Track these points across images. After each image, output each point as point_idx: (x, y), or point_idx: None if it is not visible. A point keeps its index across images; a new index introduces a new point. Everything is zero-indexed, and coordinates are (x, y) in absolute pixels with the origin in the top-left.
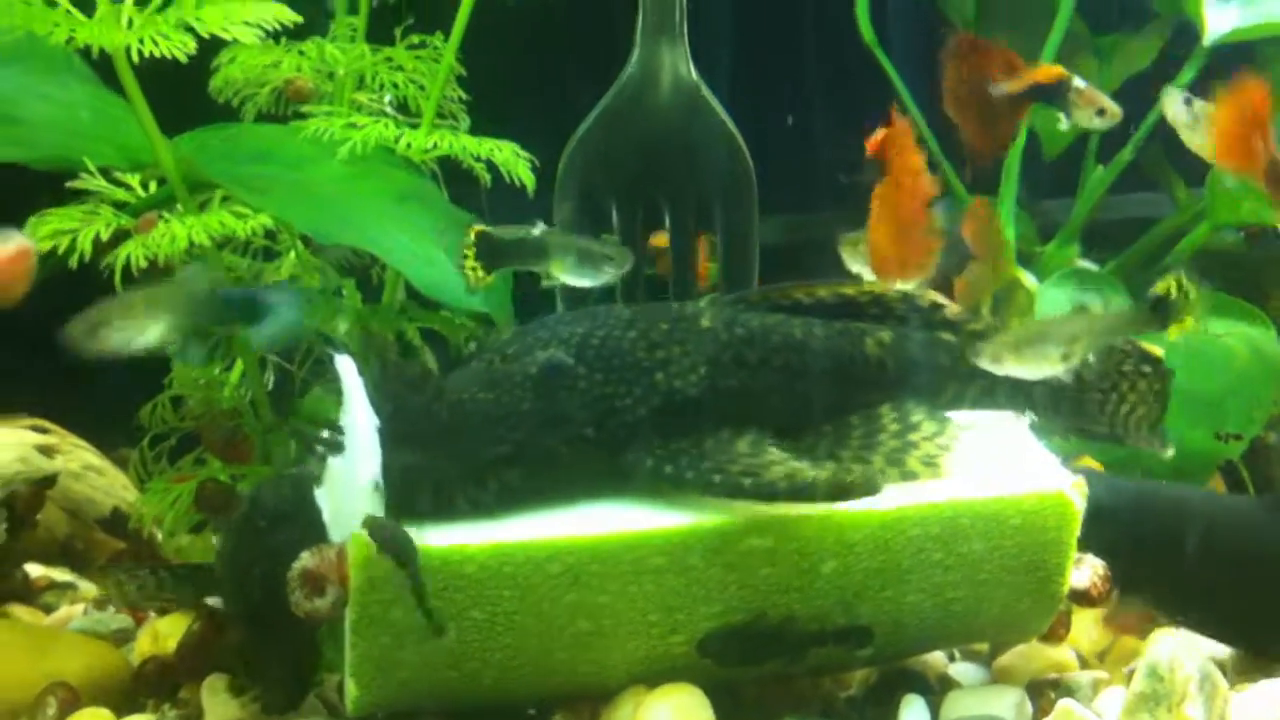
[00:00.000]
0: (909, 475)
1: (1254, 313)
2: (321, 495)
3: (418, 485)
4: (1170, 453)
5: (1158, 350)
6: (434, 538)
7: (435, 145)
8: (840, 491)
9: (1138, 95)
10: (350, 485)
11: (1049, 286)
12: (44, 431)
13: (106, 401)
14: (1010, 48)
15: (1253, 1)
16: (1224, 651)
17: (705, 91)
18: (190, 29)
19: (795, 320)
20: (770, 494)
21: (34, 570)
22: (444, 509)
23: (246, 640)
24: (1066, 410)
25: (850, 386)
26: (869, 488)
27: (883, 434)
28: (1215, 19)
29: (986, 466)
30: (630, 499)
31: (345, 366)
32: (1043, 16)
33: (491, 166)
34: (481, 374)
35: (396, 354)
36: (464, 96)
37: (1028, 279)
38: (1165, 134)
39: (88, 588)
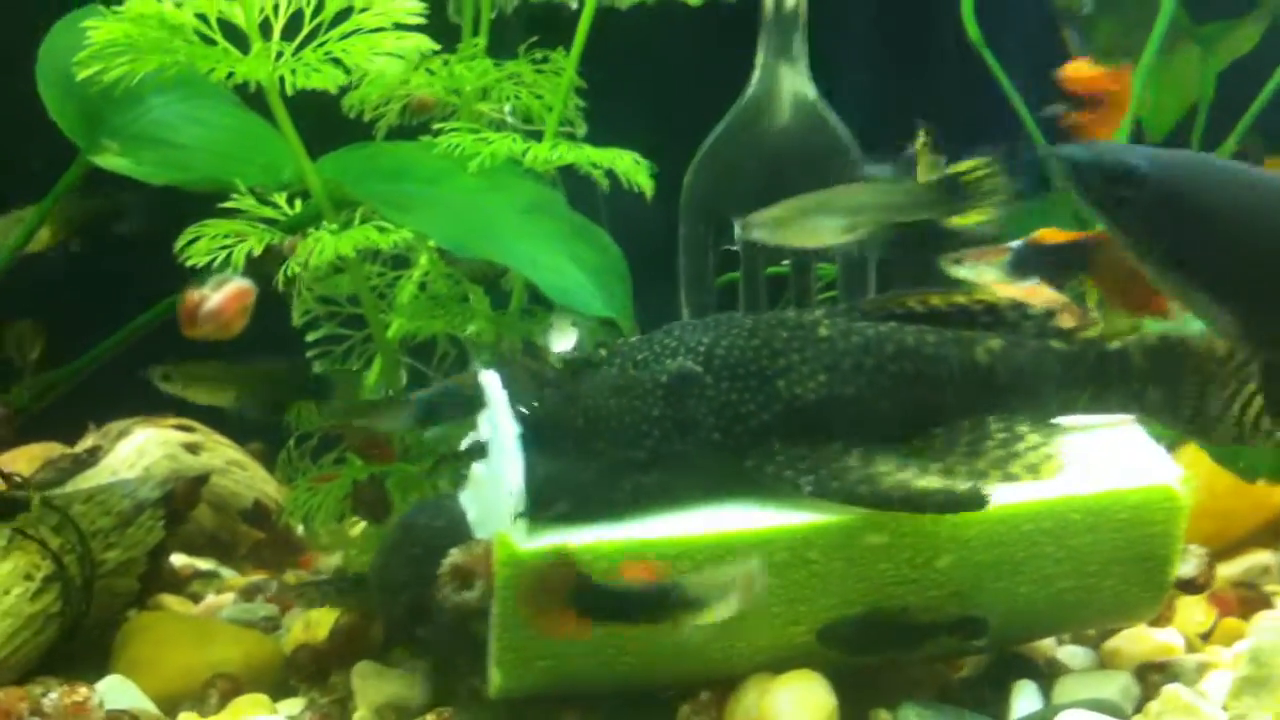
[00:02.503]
0: (1011, 479)
1: None
2: (468, 498)
3: (557, 488)
4: None
5: None
6: (571, 538)
7: (559, 156)
8: (950, 505)
9: (1240, 83)
10: (495, 489)
11: None
12: (189, 430)
13: None
14: (1113, 34)
15: None
16: None
17: (824, 109)
18: (337, 61)
19: (909, 328)
20: (885, 502)
21: (178, 560)
22: (582, 511)
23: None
24: (1185, 415)
25: (961, 393)
26: (976, 502)
27: (989, 440)
28: None
29: (1096, 463)
30: (755, 500)
31: (489, 379)
32: (1144, 3)
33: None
34: (613, 380)
35: (531, 359)
36: (581, 104)
37: None
38: (1266, 121)
39: (230, 575)
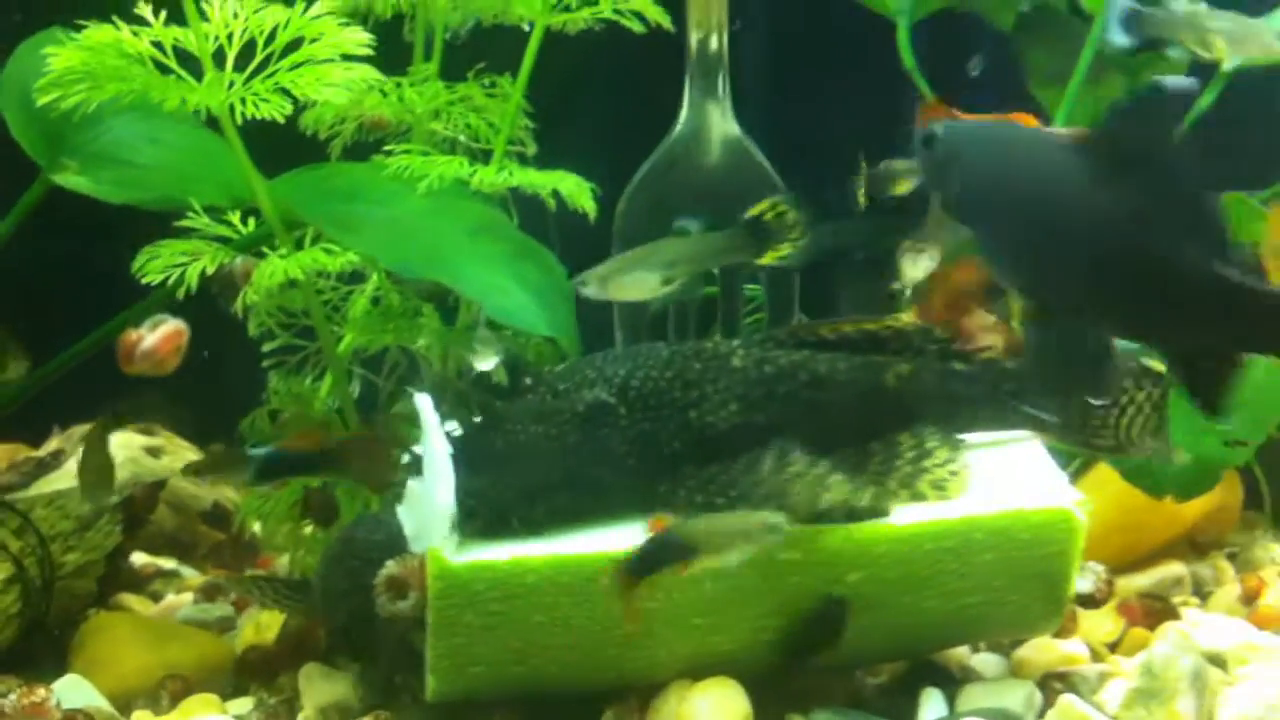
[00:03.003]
0: (919, 497)
1: None
2: (403, 512)
3: (479, 506)
4: (1181, 458)
5: (1159, 365)
6: (498, 552)
7: (505, 179)
8: (852, 515)
9: None
10: (429, 505)
11: None
12: (151, 434)
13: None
14: (1044, 62)
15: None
16: (1226, 644)
17: (749, 145)
18: (285, 91)
19: (822, 356)
20: (790, 516)
21: (140, 559)
22: (501, 527)
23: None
24: (1074, 425)
25: (872, 416)
26: (878, 512)
27: (899, 460)
28: None
29: (999, 484)
30: None
31: (423, 402)
32: (1075, 33)
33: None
34: (535, 408)
35: (464, 388)
36: (531, 125)
37: None
38: None
39: (190, 575)
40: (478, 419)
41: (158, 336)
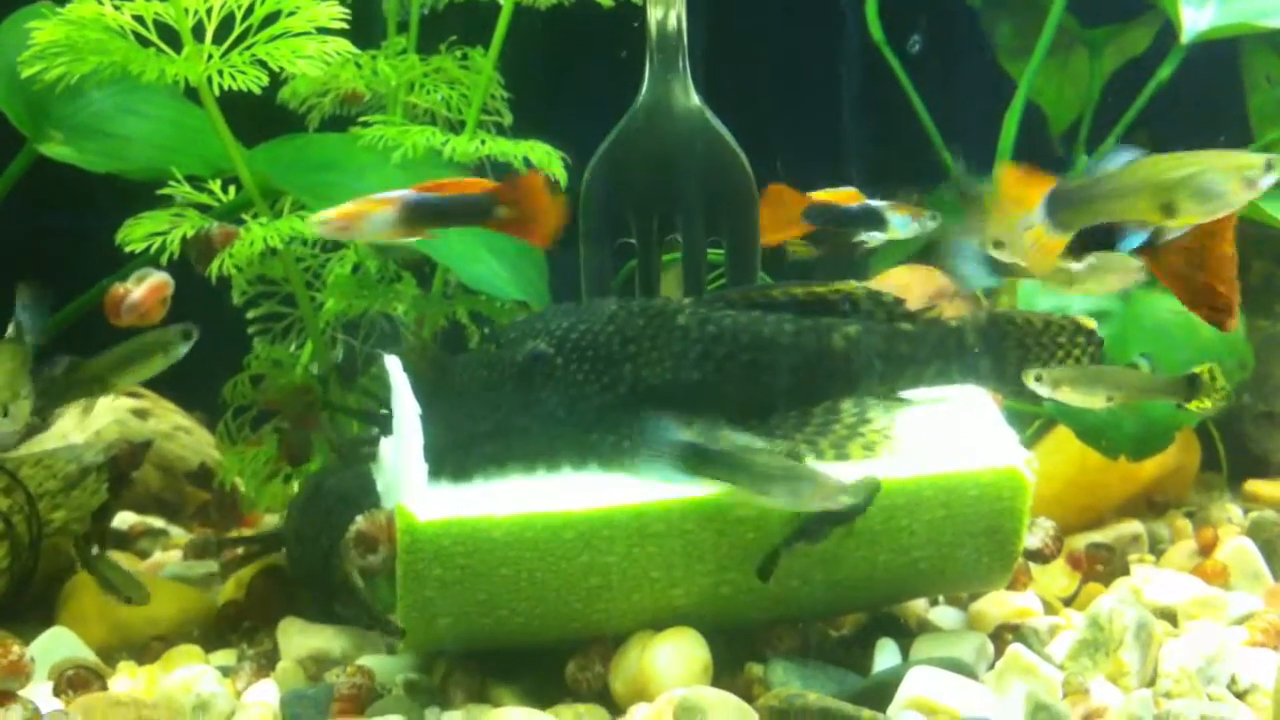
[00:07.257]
0: (843, 457)
1: None
2: (376, 470)
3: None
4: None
5: (1090, 322)
6: (465, 509)
7: (478, 148)
8: None
9: (1122, 88)
10: (398, 463)
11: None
12: (138, 396)
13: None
14: (1010, 37)
15: (1229, 0)
16: (1176, 599)
17: (709, 116)
18: (262, 63)
19: (770, 318)
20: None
21: (130, 518)
22: (433, 470)
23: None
24: (1011, 378)
25: (819, 376)
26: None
27: (837, 424)
28: (1191, 18)
29: (951, 443)
30: (629, 473)
31: (392, 364)
32: (1040, 8)
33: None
34: (481, 358)
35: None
36: (506, 95)
37: None
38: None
39: (178, 534)
40: (429, 369)
41: (144, 289)
